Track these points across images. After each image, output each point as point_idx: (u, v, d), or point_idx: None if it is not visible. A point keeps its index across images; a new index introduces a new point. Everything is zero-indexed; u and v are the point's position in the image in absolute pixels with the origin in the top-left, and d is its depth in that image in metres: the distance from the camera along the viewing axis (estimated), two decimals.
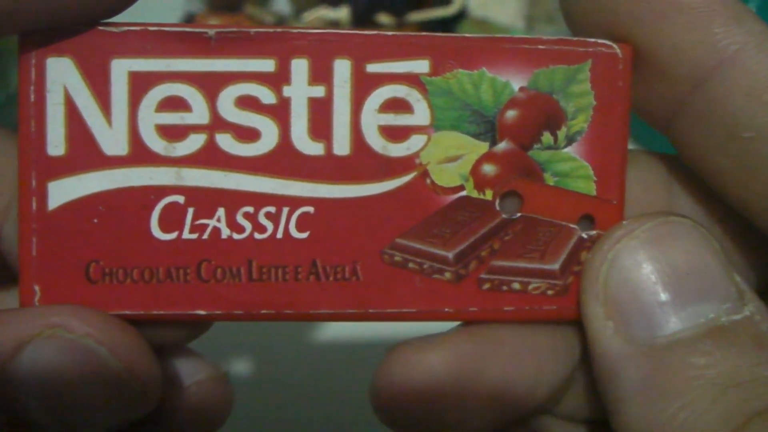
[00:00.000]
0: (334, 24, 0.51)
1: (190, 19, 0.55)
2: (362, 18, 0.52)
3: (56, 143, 0.17)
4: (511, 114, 0.18)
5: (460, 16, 0.55)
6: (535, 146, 0.18)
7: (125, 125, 0.17)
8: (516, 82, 0.18)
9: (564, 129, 0.18)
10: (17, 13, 0.16)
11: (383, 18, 0.51)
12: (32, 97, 0.17)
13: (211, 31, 0.17)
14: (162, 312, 0.18)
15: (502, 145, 0.18)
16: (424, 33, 0.18)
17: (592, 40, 0.18)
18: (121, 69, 0.17)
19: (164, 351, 0.19)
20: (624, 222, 0.18)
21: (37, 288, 0.17)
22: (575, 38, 0.18)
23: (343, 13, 0.51)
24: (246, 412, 0.20)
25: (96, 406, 0.17)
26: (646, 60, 0.18)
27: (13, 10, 0.16)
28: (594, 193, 0.18)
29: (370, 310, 0.18)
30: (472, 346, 0.18)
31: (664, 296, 0.17)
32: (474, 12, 0.57)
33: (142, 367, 0.17)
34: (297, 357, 0.39)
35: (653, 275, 0.17)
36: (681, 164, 0.19)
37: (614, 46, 0.18)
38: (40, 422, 0.17)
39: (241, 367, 0.38)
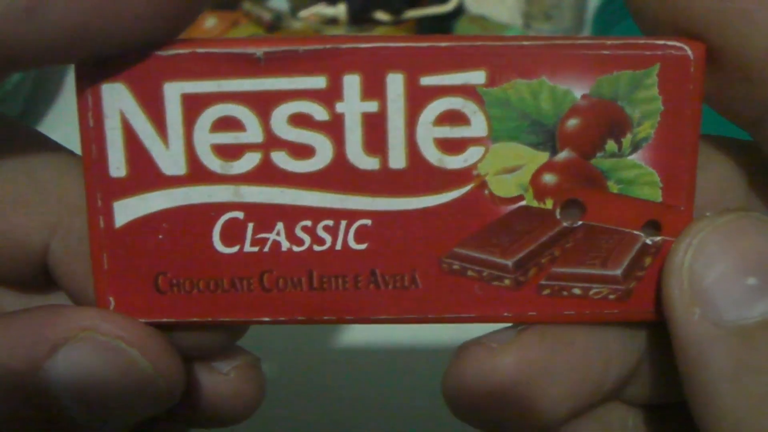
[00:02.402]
0: (332, 21, 0.50)
1: None
2: (359, 15, 0.50)
3: (117, 165, 0.18)
4: (572, 123, 0.17)
5: (457, 12, 0.54)
6: (598, 154, 0.17)
7: (182, 146, 0.17)
8: (578, 89, 0.17)
9: (629, 136, 0.17)
10: (79, 41, 0.16)
11: (380, 15, 0.49)
12: (91, 122, 0.17)
13: (259, 52, 0.17)
14: (228, 319, 0.18)
15: (563, 155, 0.17)
16: (479, 42, 0.17)
17: (661, 42, 0.17)
18: (173, 92, 0.17)
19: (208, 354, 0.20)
20: (707, 214, 0.17)
21: (111, 299, 0.18)
22: (642, 40, 0.17)
23: (340, 10, 0.49)
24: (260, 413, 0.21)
25: (125, 401, 0.18)
26: (727, 60, 0.16)
27: (76, 39, 0.16)
28: (659, 199, 0.18)
29: (430, 316, 0.18)
30: (544, 347, 0.18)
31: (751, 281, 0.17)
32: (471, 9, 0.55)
33: (168, 366, 0.18)
34: (311, 359, 0.40)
35: (739, 261, 0.17)
36: (759, 158, 0.18)
37: (685, 47, 0.17)
38: (72, 417, 0.18)
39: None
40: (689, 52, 0.17)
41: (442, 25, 0.54)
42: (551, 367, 0.19)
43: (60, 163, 0.19)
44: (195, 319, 0.18)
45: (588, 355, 0.19)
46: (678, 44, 0.17)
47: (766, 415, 0.16)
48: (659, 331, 0.18)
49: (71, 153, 0.19)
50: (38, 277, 0.20)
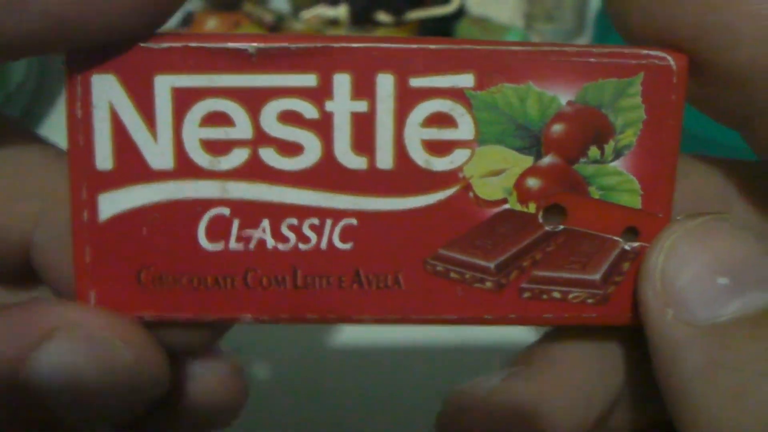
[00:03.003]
0: (333, 22, 0.50)
1: (188, 17, 0.54)
2: (361, 16, 0.51)
3: (104, 157, 0.18)
4: (557, 128, 0.18)
5: (459, 14, 0.54)
6: (581, 160, 0.18)
7: (170, 140, 0.17)
8: (564, 96, 0.17)
9: (612, 143, 0.18)
10: (61, 32, 0.16)
11: (382, 16, 0.50)
12: (79, 113, 0.17)
13: (252, 48, 0.17)
14: (210, 316, 0.18)
15: (547, 159, 0.18)
16: (468, 46, 0.17)
17: (645, 52, 0.17)
18: (164, 85, 0.17)
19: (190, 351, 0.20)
20: (678, 218, 0.18)
21: (92, 293, 0.18)
22: (627, 49, 0.17)
23: (341, 11, 0.50)
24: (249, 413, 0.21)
25: (110, 394, 0.18)
26: (713, 70, 0.17)
27: (58, 30, 0.16)
28: (639, 206, 0.18)
29: (412, 317, 0.19)
30: (530, 390, 0.19)
31: (723, 281, 0.17)
32: (473, 10, 0.56)
33: (151, 358, 0.18)
34: (302, 359, 0.40)
35: (711, 262, 0.17)
36: (738, 173, 0.19)
37: (668, 58, 0.17)
38: (57, 414, 0.18)
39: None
40: (672, 63, 0.17)
41: (443, 26, 0.54)
42: (536, 409, 0.19)
43: (43, 154, 0.19)
44: (176, 317, 0.18)
45: (572, 394, 0.19)
46: (661, 54, 0.17)
47: (739, 410, 0.16)
48: (638, 355, 0.19)
49: (55, 146, 0.19)
50: (21, 270, 0.19)
